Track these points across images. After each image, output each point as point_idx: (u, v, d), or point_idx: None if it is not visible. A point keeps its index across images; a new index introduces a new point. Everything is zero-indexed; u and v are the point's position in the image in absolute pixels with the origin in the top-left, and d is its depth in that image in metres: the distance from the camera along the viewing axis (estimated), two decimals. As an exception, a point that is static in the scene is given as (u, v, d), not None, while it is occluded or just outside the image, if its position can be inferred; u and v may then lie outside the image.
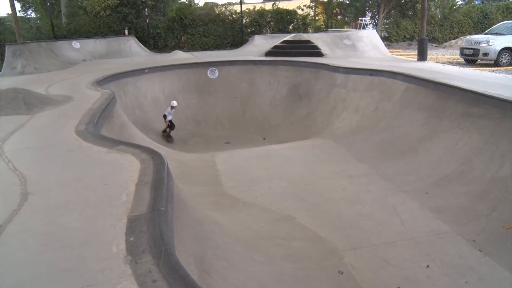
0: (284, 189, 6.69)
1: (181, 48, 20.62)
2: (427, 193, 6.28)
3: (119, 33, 20.92)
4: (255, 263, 4.31)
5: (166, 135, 11.04)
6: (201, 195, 6.28)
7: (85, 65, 14.80)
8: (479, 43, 17.03)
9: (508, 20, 21.75)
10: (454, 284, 4.25)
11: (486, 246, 4.85)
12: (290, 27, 23.93)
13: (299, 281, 4.21)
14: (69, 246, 2.51)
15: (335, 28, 24.49)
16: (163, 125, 11.18)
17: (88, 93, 8.47)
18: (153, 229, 2.62)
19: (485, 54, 16.73)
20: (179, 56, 16.44)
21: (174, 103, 11.04)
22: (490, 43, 16.68)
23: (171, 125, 11.05)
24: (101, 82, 10.10)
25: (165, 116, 10.97)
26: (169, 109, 10.97)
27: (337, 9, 28.11)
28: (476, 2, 30.44)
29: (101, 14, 21.04)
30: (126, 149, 4.36)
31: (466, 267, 4.50)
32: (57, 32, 20.51)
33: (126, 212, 2.89)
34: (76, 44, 17.84)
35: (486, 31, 19.67)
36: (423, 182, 6.59)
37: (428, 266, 4.52)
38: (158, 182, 3.38)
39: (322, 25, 26.86)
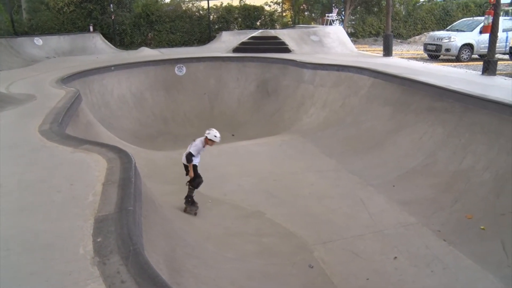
0: (254, 186, 6.70)
1: (148, 45, 20.31)
2: (394, 186, 6.41)
3: (83, 29, 20.40)
4: (226, 260, 4.30)
5: (189, 201, 5.76)
6: (170, 193, 6.21)
7: (49, 63, 14.39)
8: (442, 39, 17.51)
9: (468, 17, 22.46)
10: (420, 274, 4.36)
11: (450, 236, 5.00)
12: (258, 23, 23.91)
13: (270, 277, 4.23)
14: (33, 249, 2.43)
15: (302, 24, 24.61)
16: (130, 124, 10.99)
17: (52, 91, 8.23)
18: (121, 229, 2.58)
19: (447, 50, 17.23)
20: (146, 53, 16.20)
21: (215, 136, 5.79)
22: (452, 39, 17.17)
23: (195, 177, 5.78)
24: (66, 80, 9.84)
25: (190, 156, 5.69)
26: (199, 143, 5.79)
27: (304, 5, 28.26)
28: (438, 0, 31.19)
29: (64, 10, 20.46)
30: (92, 148, 4.26)
31: (432, 257, 4.62)
32: (17, 28, 19.81)
33: (93, 212, 2.82)
34: (38, 40, 17.31)
35: (447, 28, 20.24)
36: (389, 175, 6.73)
37: (395, 257, 4.62)
38: (126, 181, 3.32)
39: (289, 21, 26.94)
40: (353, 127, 8.84)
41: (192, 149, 5.65)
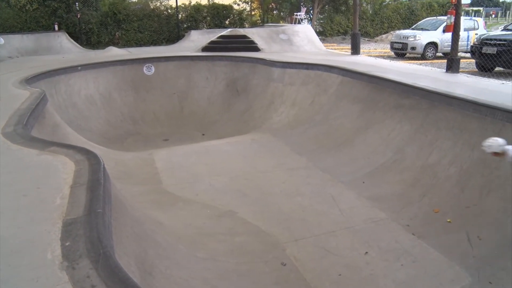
0: (225, 185, 6.67)
1: (116, 44, 19.99)
2: (363, 182, 6.51)
3: (48, 28, 19.90)
4: (198, 260, 4.27)
5: None
6: (140, 194, 6.13)
7: (12, 62, 13.95)
8: (407, 38, 17.91)
9: (432, 17, 23.04)
10: (391, 267, 4.44)
11: (418, 229, 5.11)
12: (227, 22, 23.90)
13: (243, 276, 4.23)
14: (-2, 255, 2.35)
15: (271, 23, 24.74)
16: (99, 125, 10.78)
17: (16, 92, 7.98)
18: (90, 232, 2.52)
19: (413, 48, 17.63)
20: (114, 52, 15.92)
21: None
22: (417, 38, 17.59)
23: None
24: (30, 80, 9.55)
25: None
26: None
27: (272, 4, 28.40)
28: (403, -1, 31.87)
29: (27, 8, 19.91)
30: (59, 150, 4.16)
31: (402, 250, 4.71)
32: (-24, 27, 19.23)
33: (61, 216, 2.75)
34: (0, 39, 16.81)
35: (412, 27, 20.70)
36: (359, 172, 6.82)
37: (366, 252, 4.69)
38: (94, 183, 3.25)
39: (258, 20, 27.03)
40: (323, 125, 8.92)
41: None
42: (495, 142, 3.62)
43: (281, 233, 5.14)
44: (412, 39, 17.61)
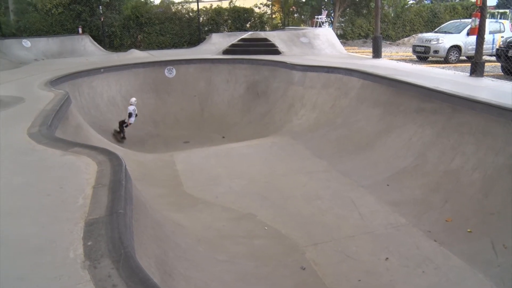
0: (244, 188, 6.68)
1: (138, 47, 20.20)
2: (388, 185, 6.43)
3: (72, 31, 20.27)
4: (218, 262, 4.28)
5: (119, 134, 10.50)
6: (160, 196, 6.18)
7: (37, 65, 14.25)
8: (430, 41, 17.63)
9: (455, 19, 22.65)
10: (411, 274, 4.37)
11: (440, 236, 5.02)
12: (247, 25, 23.94)
13: (262, 279, 4.22)
14: (21, 254, 2.39)
15: (292, 26, 24.70)
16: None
17: (41, 93, 8.14)
18: (112, 232, 2.55)
19: (436, 52, 17.35)
20: (136, 55, 16.11)
21: (132, 100, 10.50)
22: (440, 41, 17.29)
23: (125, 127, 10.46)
24: (55, 82, 9.73)
25: (130, 115, 10.36)
26: (132, 107, 10.38)
27: (293, 7, 28.34)
28: (426, 2, 31.44)
29: (52, 12, 20.32)
30: (82, 151, 4.22)
31: (423, 257, 4.64)
32: (5, 30, 19.65)
33: (83, 216, 2.79)
34: (26, 42, 17.16)
35: (435, 30, 20.38)
36: (380, 176, 6.75)
37: (387, 258, 4.63)
38: (116, 184, 3.28)
39: (279, 23, 27.01)
40: (344, 128, 8.86)
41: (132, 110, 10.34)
42: None
43: (301, 237, 5.11)
44: (435, 42, 17.35)
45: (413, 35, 25.57)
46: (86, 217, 2.76)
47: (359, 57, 14.50)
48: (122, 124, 10.48)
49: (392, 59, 15.58)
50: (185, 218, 5.44)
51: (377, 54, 13.99)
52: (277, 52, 14.99)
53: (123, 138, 10.49)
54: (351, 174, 7.01)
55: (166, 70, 13.13)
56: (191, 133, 11.62)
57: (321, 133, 9.13)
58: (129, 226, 2.84)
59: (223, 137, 11.19)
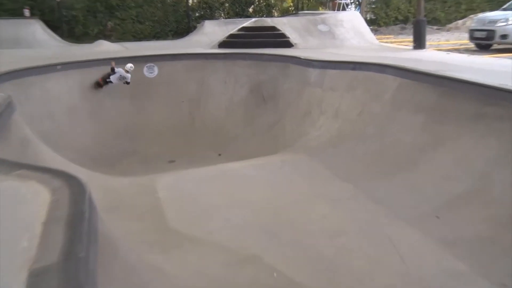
0: (247, 221, 6.57)
1: (108, 38, 20.26)
2: (438, 217, 6.27)
3: (16, 14, 19.49)
4: (211, 322, 4.18)
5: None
6: (136, 232, 6.09)
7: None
8: (495, 23, 16.70)
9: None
10: None
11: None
12: (250, 9, 24.10)
13: None
14: None
15: (307, 10, 24.77)
16: (85, 142, 10.88)
17: (-31, 97, 8.08)
18: (67, 283, 2.46)
19: (504, 37, 16.48)
20: (105, 48, 16.16)
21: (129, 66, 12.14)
22: (510, 22, 16.57)
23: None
24: (-11, 82, 9.65)
25: (112, 70, 12.24)
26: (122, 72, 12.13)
27: (308, -14, 28.51)
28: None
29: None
30: (29, 174, 4.13)
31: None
32: None
33: (27, 263, 2.69)
34: None
35: (504, 6, 18.97)
36: (426, 205, 6.60)
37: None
38: (76, 218, 3.19)
39: (290, 6, 27.15)
40: (375, 141, 8.79)
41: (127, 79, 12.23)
42: None
43: (321, 287, 5.00)
44: (503, 23, 16.42)
45: (471, 16, 24.84)
46: (31, 265, 2.66)
47: (396, 49, 14.49)
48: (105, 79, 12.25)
49: (441, 50, 15.48)
50: (168, 261, 5.35)
51: (419, 43, 13.90)
52: (288, 44, 15.03)
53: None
54: (386, 202, 6.89)
55: (145, 69, 13.13)
56: (178, 150, 11.58)
57: (346, 148, 9.06)
58: (93, 275, 2.76)
59: (220, 154, 11.18)
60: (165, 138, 12.11)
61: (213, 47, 15.26)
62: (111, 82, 12.24)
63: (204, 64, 13.72)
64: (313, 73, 11.72)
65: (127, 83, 12.33)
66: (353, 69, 10.75)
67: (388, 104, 9.35)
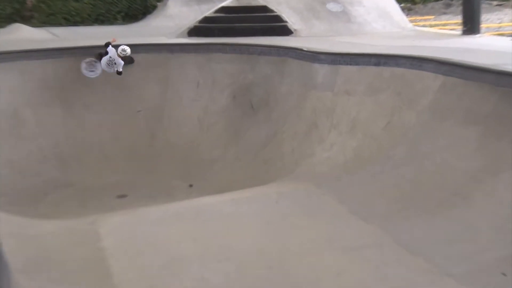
0: (231, 279, 6.48)
1: (28, 21, 20.13)
2: (504, 274, 6.17)
3: None
4: None
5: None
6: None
7: None
8: None
9: None
10: None
11: None
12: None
13: None
14: None
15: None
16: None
17: None
18: None
19: None
20: (24, 35, 16.08)
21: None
22: None
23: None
24: None
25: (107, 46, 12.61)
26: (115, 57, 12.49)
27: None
28: None
29: None
30: None
31: None
32: None
33: None
34: None
35: None
36: (486, 256, 6.53)
37: None
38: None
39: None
40: (408, 165, 8.77)
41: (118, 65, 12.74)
42: None
43: None
44: None
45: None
46: None
47: (437, 35, 14.53)
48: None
49: (502, 34, 15.44)
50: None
51: (471, 26, 13.87)
52: (285, 31, 15.07)
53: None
54: (426, 252, 6.79)
55: (83, 65, 13.02)
56: (131, 178, 11.58)
57: (366, 176, 9.06)
58: None
59: (191, 185, 11.18)
60: (113, 163, 12.05)
61: (180, 36, 15.22)
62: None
63: (168, 60, 13.73)
64: (321, 71, 11.73)
65: (119, 73, 12.60)
66: (377, 64, 10.77)
67: (427, 112, 9.33)
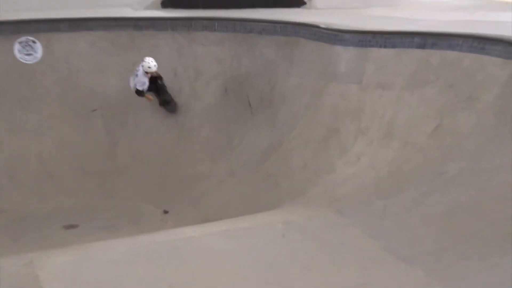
0: None
1: None
2: None
3: None
4: None
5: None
6: None
7: None
8: None
9: None
10: None
11: None
12: None
13: None
14: None
15: None
16: None
17: None
18: None
19: None
20: None
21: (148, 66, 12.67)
22: None
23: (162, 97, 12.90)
24: None
25: (140, 93, 12.81)
26: (141, 75, 12.60)
27: None
28: None
29: None
30: None
31: None
32: None
33: None
34: None
35: None
36: None
37: None
38: None
39: None
40: (466, 186, 8.70)
41: (138, 86, 12.48)
42: None
43: None
44: None
45: None
46: None
47: (507, 4, 14.48)
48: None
49: None
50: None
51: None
52: (296, 0, 15.01)
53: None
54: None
55: (17, 46, 13.02)
56: (83, 203, 11.51)
57: (407, 200, 9.01)
58: None
59: (166, 211, 11.12)
60: (58, 182, 12.00)
61: (151, 7, 15.25)
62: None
63: (133, 40, 13.77)
64: (344, 56, 11.76)
65: (139, 93, 12.76)
66: (422, 46, 10.77)
67: (492, 112, 9.28)
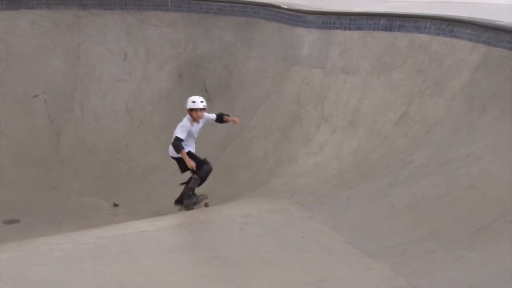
0: None
1: None
2: None
3: None
4: None
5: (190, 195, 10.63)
6: None
7: None
8: None
9: None
10: None
11: None
12: None
13: None
14: None
15: None
16: None
17: None
18: None
19: None
20: None
21: (193, 101, 10.78)
22: None
23: (199, 164, 10.70)
24: None
25: (178, 142, 10.62)
26: (185, 121, 10.88)
27: None
28: None
29: None
30: None
31: None
32: None
33: None
34: None
35: None
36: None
37: None
38: None
39: None
40: (433, 176, 8.84)
41: (177, 131, 10.71)
42: None
43: None
44: None
45: None
46: None
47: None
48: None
49: None
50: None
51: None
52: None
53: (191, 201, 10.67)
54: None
55: None
56: (25, 196, 11.53)
57: (372, 191, 9.15)
58: None
59: (116, 205, 11.15)
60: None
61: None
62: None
63: (78, 19, 13.75)
64: (307, 39, 11.85)
65: (177, 146, 10.78)
66: (389, 29, 10.90)
67: (460, 99, 9.42)
